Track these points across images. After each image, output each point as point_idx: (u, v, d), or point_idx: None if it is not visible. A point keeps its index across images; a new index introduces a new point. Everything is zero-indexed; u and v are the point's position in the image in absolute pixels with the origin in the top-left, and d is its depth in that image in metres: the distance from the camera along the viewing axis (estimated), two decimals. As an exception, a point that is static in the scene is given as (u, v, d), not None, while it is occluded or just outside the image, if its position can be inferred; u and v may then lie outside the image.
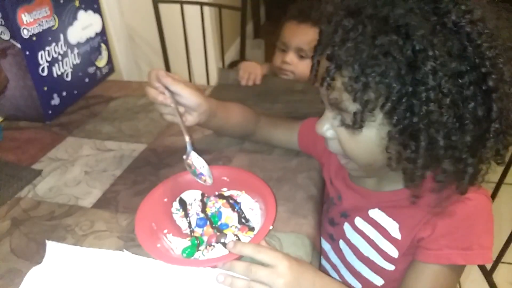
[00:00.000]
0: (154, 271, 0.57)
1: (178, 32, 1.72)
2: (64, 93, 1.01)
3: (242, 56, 1.73)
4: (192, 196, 0.67)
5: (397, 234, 0.61)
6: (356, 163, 0.58)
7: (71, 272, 0.58)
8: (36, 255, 0.61)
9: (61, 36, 0.98)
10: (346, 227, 0.70)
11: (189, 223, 0.64)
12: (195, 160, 0.69)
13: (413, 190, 0.53)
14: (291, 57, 1.23)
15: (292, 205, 0.69)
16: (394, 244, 0.62)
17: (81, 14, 1.03)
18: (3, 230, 0.67)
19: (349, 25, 0.48)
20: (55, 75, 0.97)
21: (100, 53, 1.12)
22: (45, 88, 0.95)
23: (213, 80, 2.18)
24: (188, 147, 0.69)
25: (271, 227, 0.58)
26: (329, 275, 0.76)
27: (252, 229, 0.62)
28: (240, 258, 0.56)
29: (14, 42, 0.87)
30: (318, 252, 0.65)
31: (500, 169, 0.93)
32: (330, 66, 0.50)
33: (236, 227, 0.63)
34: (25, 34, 0.87)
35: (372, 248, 0.65)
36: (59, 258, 0.60)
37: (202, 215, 0.64)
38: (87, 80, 1.09)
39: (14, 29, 0.85)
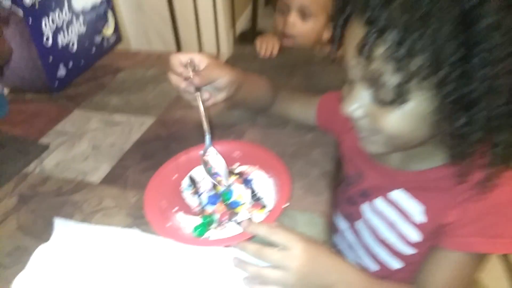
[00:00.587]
0: (165, 249, 0.56)
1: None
2: (71, 64, 0.98)
3: (253, 25, 1.67)
4: (202, 173, 0.65)
5: (422, 217, 0.58)
6: (393, 142, 0.52)
7: (80, 250, 0.56)
8: (43, 233, 0.59)
9: (65, 1, 0.93)
10: (365, 207, 0.67)
11: (200, 200, 0.62)
12: (213, 157, 0.64)
13: (460, 168, 0.48)
14: (293, 17, 1.16)
15: (307, 182, 0.67)
16: (417, 228, 0.59)
17: (86, -21, 0.98)
18: (10, 206, 0.66)
19: None
20: (60, 45, 0.93)
21: (106, 21, 1.08)
22: (51, 59, 0.92)
23: (224, 49, 2.13)
24: (207, 141, 0.64)
25: (287, 204, 0.56)
26: (345, 256, 0.74)
27: (264, 206, 0.60)
28: (252, 237, 0.54)
29: (16, 10, 0.83)
30: (330, 231, 0.62)
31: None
32: (370, 32, 0.43)
33: (248, 204, 0.60)
34: (27, 0, 0.83)
35: (391, 231, 0.62)
36: (67, 235, 0.58)
37: (213, 192, 0.62)
38: (94, 49, 1.05)
39: (16, -4, 0.81)
